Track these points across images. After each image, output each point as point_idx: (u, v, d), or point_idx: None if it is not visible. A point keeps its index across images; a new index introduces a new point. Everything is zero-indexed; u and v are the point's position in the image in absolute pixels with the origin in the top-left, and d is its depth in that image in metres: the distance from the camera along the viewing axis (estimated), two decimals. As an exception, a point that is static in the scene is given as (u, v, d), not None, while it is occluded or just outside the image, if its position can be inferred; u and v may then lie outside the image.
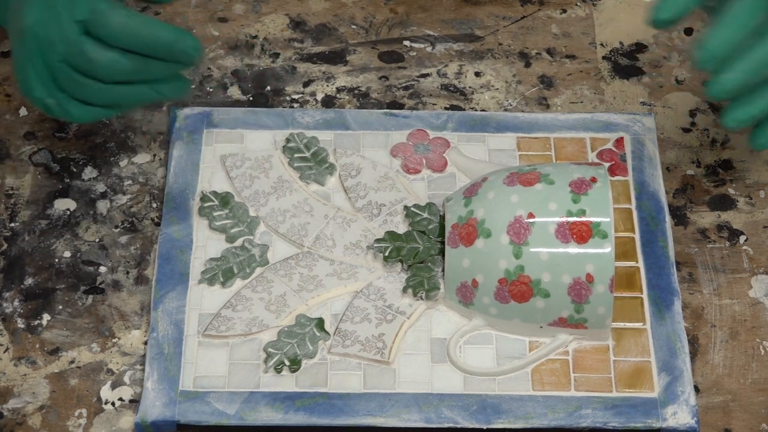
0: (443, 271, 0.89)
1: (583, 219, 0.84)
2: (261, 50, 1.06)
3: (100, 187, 0.96)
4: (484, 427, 0.84)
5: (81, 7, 0.84)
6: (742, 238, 0.95)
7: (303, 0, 1.09)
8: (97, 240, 0.94)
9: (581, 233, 0.84)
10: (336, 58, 1.05)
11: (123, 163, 0.98)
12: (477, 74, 1.04)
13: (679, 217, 0.96)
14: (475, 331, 0.88)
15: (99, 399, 0.87)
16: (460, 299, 0.88)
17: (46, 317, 0.90)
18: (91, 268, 0.93)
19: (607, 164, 0.96)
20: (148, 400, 0.85)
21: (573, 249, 0.84)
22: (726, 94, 0.85)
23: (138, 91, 0.87)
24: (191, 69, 0.86)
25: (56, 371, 0.88)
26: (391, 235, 0.91)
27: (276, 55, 1.05)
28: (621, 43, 1.06)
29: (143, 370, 0.87)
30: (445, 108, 1.02)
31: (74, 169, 0.98)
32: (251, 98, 1.02)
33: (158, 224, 0.95)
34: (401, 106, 1.02)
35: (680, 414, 0.84)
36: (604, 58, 1.05)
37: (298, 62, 1.05)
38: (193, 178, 0.95)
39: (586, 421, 0.84)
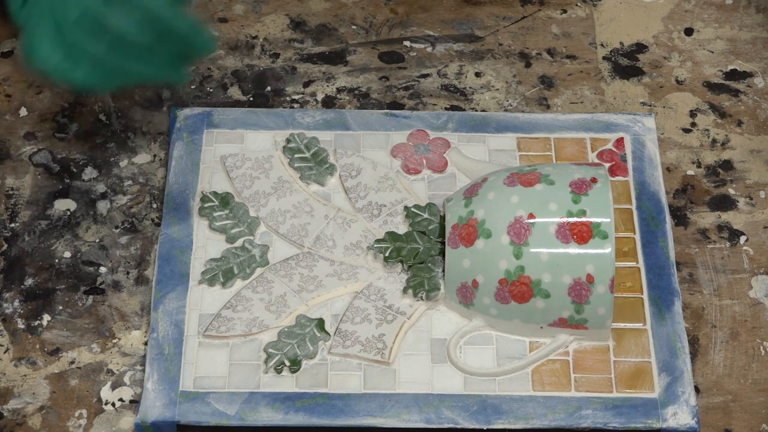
0: (443, 271, 0.89)
1: (584, 219, 0.84)
2: (261, 50, 1.06)
3: (101, 188, 0.96)
4: (485, 428, 0.84)
5: None
6: (743, 239, 0.95)
7: (303, 0, 1.09)
8: (98, 240, 0.94)
9: (581, 234, 0.84)
10: (336, 58, 1.05)
11: (123, 163, 0.98)
12: (477, 74, 1.04)
13: (680, 218, 0.96)
14: (476, 332, 0.88)
15: (99, 399, 0.87)
16: (460, 300, 0.88)
17: (46, 318, 0.90)
18: (91, 269, 0.93)
19: (607, 164, 0.96)
20: (148, 400, 0.85)
21: (573, 249, 0.84)
22: None
23: (140, 67, 0.85)
24: (197, 61, 0.86)
25: (56, 372, 0.88)
26: (392, 236, 0.91)
27: (276, 56, 1.05)
28: (621, 43, 1.06)
29: (143, 370, 0.87)
30: (446, 108, 1.02)
31: (74, 170, 0.98)
32: (251, 98, 1.02)
33: (158, 224, 0.95)
34: (401, 107, 1.02)
35: (680, 414, 0.84)
36: (604, 58, 1.05)
37: (299, 62, 1.05)
38: (193, 179, 0.95)
39: (587, 421, 0.84)
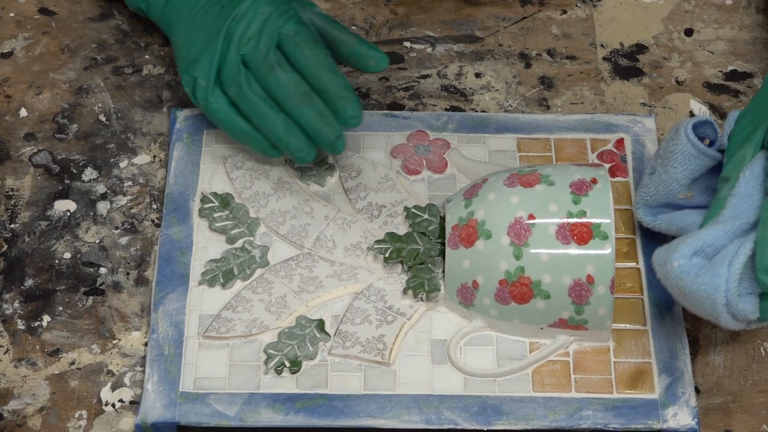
0: (443, 272, 0.89)
1: (584, 220, 0.84)
2: (261, 51, 1.05)
3: (100, 189, 0.96)
4: (485, 429, 0.84)
5: (290, 22, 0.87)
6: (743, 239, 0.94)
7: (303, 1, 1.09)
8: (98, 241, 0.94)
9: (582, 234, 0.84)
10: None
11: (123, 164, 0.98)
12: (477, 75, 1.04)
13: (680, 218, 0.96)
14: (476, 333, 0.88)
15: (99, 400, 0.87)
16: (460, 300, 0.88)
17: (46, 318, 0.90)
18: (91, 270, 0.93)
19: (607, 165, 0.96)
20: (148, 401, 0.85)
21: (573, 250, 0.84)
22: None
23: (285, 128, 0.89)
24: (347, 128, 0.89)
25: (56, 373, 0.88)
26: (392, 237, 0.91)
27: (276, 56, 1.05)
28: (621, 44, 1.06)
29: (143, 371, 0.87)
30: (446, 109, 1.02)
31: (74, 171, 0.98)
32: (251, 99, 1.02)
33: (158, 225, 0.95)
34: (401, 107, 1.02)
35: (681, 415, 0.84)
36: (604, 59, 1.05)
37: (299, 63, 1.05)
38: (193, 180, 0.95)
39: (587, 422, 0.84)
